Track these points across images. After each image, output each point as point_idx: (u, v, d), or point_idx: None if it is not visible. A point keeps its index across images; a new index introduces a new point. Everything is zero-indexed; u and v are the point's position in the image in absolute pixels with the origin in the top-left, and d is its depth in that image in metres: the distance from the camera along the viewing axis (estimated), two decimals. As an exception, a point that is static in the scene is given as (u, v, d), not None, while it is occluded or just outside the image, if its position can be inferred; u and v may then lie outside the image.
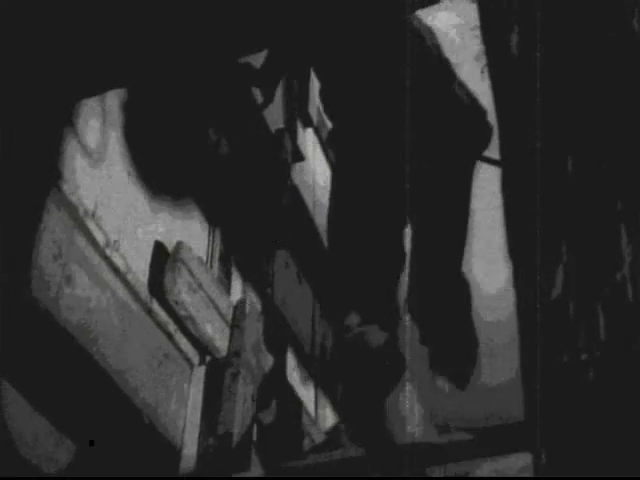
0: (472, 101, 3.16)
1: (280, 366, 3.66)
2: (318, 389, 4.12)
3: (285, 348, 3.82)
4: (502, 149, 1.74)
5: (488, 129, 3.03)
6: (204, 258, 3.31)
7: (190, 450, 2.86)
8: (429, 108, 3.05)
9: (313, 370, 4.10)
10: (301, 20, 2.48)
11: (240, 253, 3.62)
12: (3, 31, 2.29)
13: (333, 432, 3.88)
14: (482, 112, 3.09)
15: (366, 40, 3.12)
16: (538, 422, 1.36)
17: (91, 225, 2.58)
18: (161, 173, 3.11)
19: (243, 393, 3.01)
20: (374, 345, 3.07)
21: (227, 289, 3.39)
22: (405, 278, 3.11)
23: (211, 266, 3.33)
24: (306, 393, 3.94)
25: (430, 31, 3.33)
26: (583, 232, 1.37)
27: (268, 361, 3.47)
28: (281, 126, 4.14)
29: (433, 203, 3.13)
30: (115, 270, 2.66)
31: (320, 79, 3.31)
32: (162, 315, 2.89)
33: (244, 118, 3.79)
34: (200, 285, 3.01)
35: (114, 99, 2.85)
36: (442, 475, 2.87)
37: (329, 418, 4.17)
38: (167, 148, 3.17)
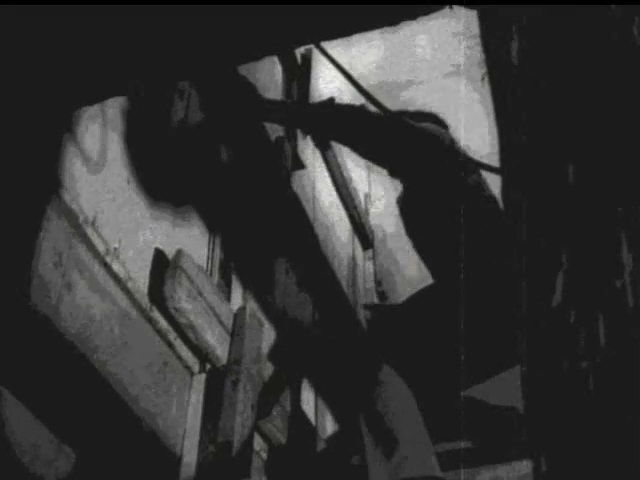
0: None
1: (280, 374, 3.65)
2: (318, 396, 4.12)
3: (285, 356, 3.82)
4: (502, 157, 1.74)
5: None
6: (204, 266, 3.31)
7: (190, 458, 2.86)
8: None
9: (314, 377, 4.09)
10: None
11: (240, 261, 3.61)
12: (2, 37, 2.29)
13: (333, 440, 3.88)
14: None
15: None
16: (538, 429, 1.36)
17: (91, 233, 2.58)
18: (161, 181, 3.11)
19: (243, 401, 3.01)
20: None
21: (227, 297, 3.39)
22: None
23: (211, 274, 3.33)
24: (306, 400, 3.93)
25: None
26: (583, 239, 1.37)
27: (268, 369, 3.47)
28: (281, 134, 4.14)
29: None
30: (115, 278, 2.66)
31: None
32: (162, 323, 2.89)
33: (244, 125, 3.80)
34: (200, 293, 3.00)
35: (114, 106, 2.85)
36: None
37: (329, 426, 4.17)
38: (168, 156, 3.17)
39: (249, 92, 3.57)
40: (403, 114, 3.73)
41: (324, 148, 4.48)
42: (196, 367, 3.08)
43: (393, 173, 3.60)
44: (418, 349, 3.26)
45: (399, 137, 3.40)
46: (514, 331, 3.05)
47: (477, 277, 3.10)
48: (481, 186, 3.41)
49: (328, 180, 5.10)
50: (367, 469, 2.91)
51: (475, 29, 2.12)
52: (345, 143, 3.61)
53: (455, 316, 3.06)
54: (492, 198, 3.41)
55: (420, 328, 3.31)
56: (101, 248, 2.61)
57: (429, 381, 3.29)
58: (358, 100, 4.21)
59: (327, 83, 4.87)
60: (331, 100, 3.52)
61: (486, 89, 1.87)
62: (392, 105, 3.93)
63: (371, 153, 3.51)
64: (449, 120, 3.71)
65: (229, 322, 3.20)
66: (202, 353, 3.06)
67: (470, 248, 3.11)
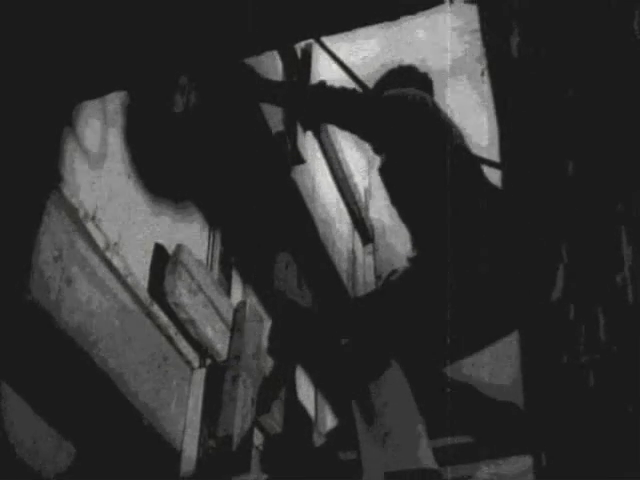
0: None
1: (280, 369, 3.66)
2: (318, 391, 4.12)
3: (285, 351, 3.82)
4: (502, 151, 1.74)
5: None
6: (204, 261, 3.31)
7: (190, 453, 2.86)
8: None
9: (313, 372, 4.10)
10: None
11: (240, 255, 3.61)
12: (3, 32, 2.29)
13: (332, 435, 3.88)
14: None
15: None
16: (538, 424, 1.36)
17: (91, 228, 2.58)
18: (162, 176, 3.11)
19: (243, 396, 3.01)
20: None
21: (227, 291, 3.39)
22: None
23: (211, 268, 3.33)
24: (306, 395, 3.94)
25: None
26: (583, 234, 1.37)
27: (268, 364, 3.47)
28: (281, 129, 4.13)
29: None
30: (115, 273, 2.66)
31: None
32: (162, 318, 2.89)
33: (244, 121, 3.79)
34: (200, 288, 3.00)
35: (115, 101, 2.85)
36: (443, 477, 2.86)
37: (329, 420, 4.17)
38: (168, 151, 3.17)
39: (246, 73, 3.55)
40: (391, 73, 3.72)
41: (315, 129, 4.46)
42: (196, 362, 3.08)
43: (378, 147, 3.56)
44: (406, 328, 3.22)
45: (380, 106, 3.38)
46: (500, 302, 3.03)
47: (463, 243, 3.06)
48: (465, 150, 3.37)
49: (328, 175, 5.09)
50: (360, 462, 2.90)
51: (475, 24, 2.12)
52: (332, 120, 3.59)
53: (441, 288, 3.02)
54: (477, 163, 3.37)
55: (405, 306, 3.27)
56: (101, 243, 2.61)
57: (423, 367, 3.27)
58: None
59: (327, 78, 4.86)
60: (322, 82, 3.52)
61: (486, 83, 1.87)
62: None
63: (356, 126, 3.48)
64: (450, 115, 3.69)
65: (229, 317, 3.20)
66: (202, 348, 3.06)
67: (455, 213, 3.08)
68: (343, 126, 3.51)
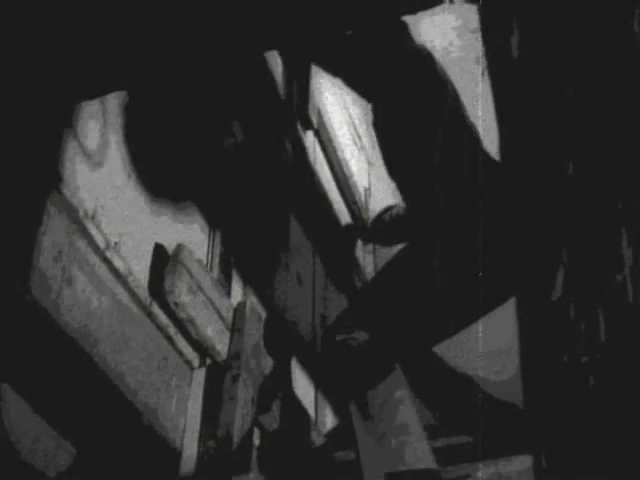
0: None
1: (280, 369, 3.66)
2: (318, 391, 4.12)
3: (285, 350, 3.82)
4: (502, 151, 1.74)
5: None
6: (204, 260, 3.31)
7: (190, 453, 2.87)
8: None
9: (313, 372, 4.10)
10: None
11: (240, 255, 3.61)
12: (2, 33, 2.29)
13: (333, 434, 3.88)
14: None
15: None
16: (538, 423, 1.36)
17: (91, 227, 2.58)
18: (162, 175, 3.11)
19: (243, 396, 3.01)
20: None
21: (227, 291, 3.39)
22: None
23: (211, 268, 3.33)
24: (306, 395, 3.94)
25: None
26: (584, 234, 1.37)
27: (268, 364, 3.47)
28: (281, 128, 4.13)
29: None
30: (115, 272, 2.66)
31: None
32: (162, 317, 2.89)
33: (245, 120, 3.80)
34: (200, 287, 3.01)
35: (114, 101, 2.85)
36: (442, 477, 2.86)
37: (329, 420, 4.17)
38: (168, 151, 3.17)
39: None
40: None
41: (303, 72, 4.42)
42: (196, 361, 3.08)
43: (364, 95, 3.44)
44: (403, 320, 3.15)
45: (374, 55, 3.28)
46: (488, 266, 2.95)
47: (454, 204, 2.98)
48: (460, 111, 3.28)
49: (328, 174, 5.09)
50: (360, 463, 2.88)
51: (474, 24, 2.12)
52: (325, 66, 3.46)
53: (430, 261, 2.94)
54: (473, 127, 3.27)
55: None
56: (101, 243, 2.61)
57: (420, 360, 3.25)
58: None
59: (327, 76, 4.85)
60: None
61: (486, 83, 1.87)
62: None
63: (341, 68, 3.36)
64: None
65: (229, 316, 3.20)
66: (202, 347, 3.06)
67: (447, 174, 3.00)
68: (329, 66, 3.38)
